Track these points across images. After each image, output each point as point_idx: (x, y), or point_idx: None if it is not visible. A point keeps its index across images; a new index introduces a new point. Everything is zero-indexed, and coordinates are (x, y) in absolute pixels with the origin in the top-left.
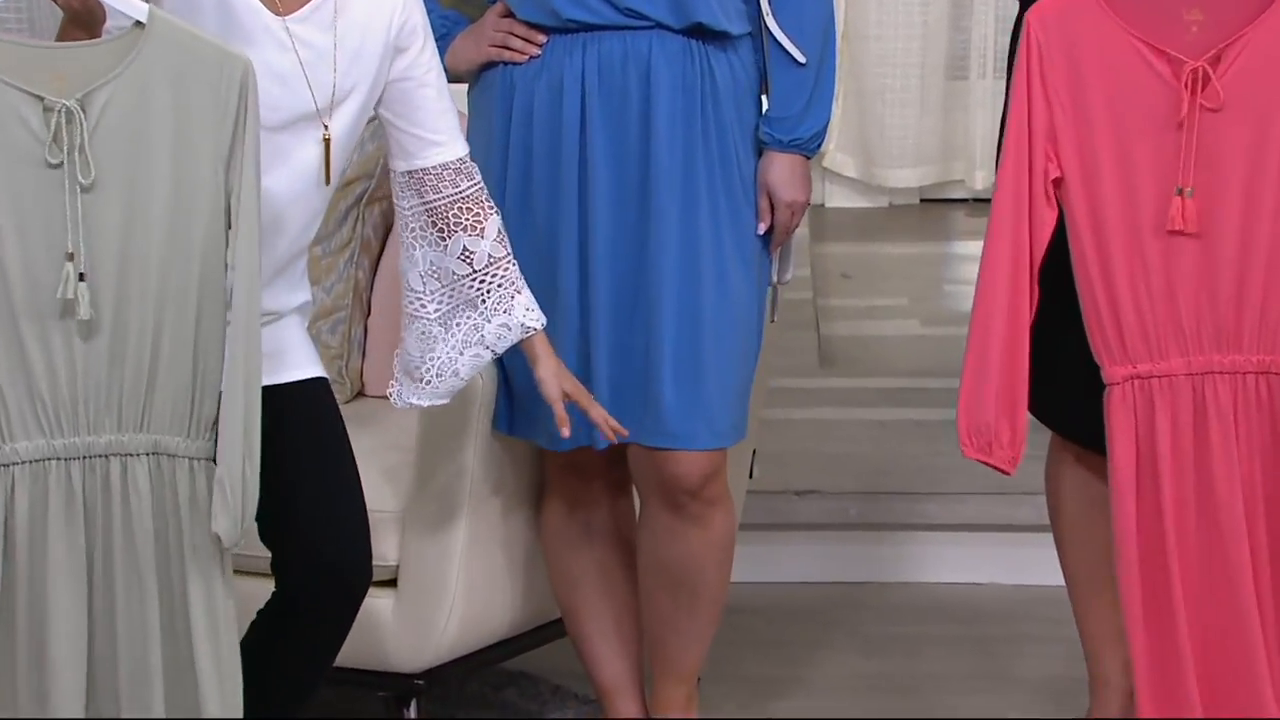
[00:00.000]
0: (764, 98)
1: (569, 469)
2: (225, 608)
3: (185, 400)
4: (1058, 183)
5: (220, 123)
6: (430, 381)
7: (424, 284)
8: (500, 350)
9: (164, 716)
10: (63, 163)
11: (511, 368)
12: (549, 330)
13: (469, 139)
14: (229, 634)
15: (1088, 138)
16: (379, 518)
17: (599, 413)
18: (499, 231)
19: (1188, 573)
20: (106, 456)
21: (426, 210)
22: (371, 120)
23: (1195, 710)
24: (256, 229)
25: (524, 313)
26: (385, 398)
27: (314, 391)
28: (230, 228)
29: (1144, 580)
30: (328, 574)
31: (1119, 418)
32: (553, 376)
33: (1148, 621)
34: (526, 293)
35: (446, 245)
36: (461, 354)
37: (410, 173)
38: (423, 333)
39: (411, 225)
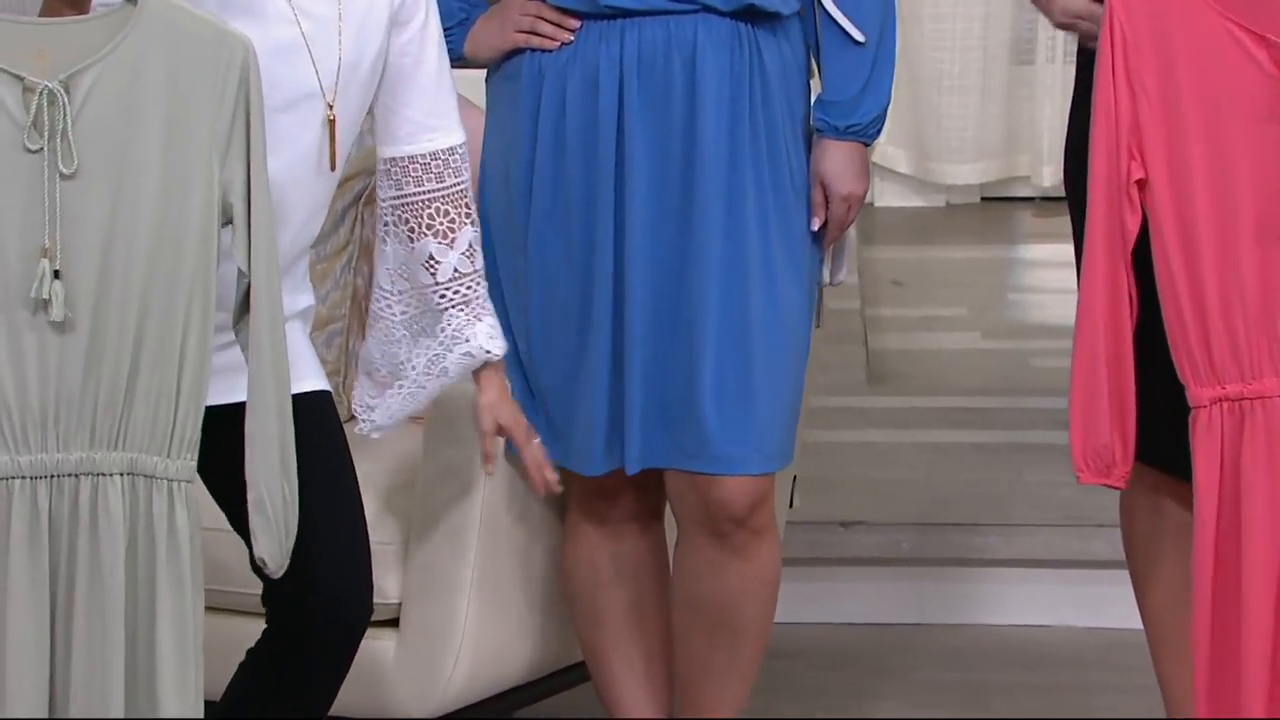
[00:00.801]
0: (812, 83)
1: (597, 494)
2: (195, 648)
3: (167, 416)
4: (1141, 184)
5: (218, 109)
6: (391, 405)
7: (393, 283)
8: (463, 377)
9: None
10: (43, 149)
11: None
12: (580, 338)
13: (487, 131)
14: (198, 677)
15: (1177, 134)
16: (379, 551)
17: (533, 455)
18: (470, 245)
19: (1265, 604)
20: (77, 476)
21: (402, 204)
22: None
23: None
24: (271, 227)
25: (486, 339)
26: None
27: (316, 405)
28: (225, 225)
29: (1216, 615)
30: (322, 605)
31: (1204, 444)
32: (488, 407)
33: (1216, 658)
34: (490, 318)
35: (414, 248)
36: (424, 388)
37: (394, 159)
38: (386, 335)
39: (386, 219)
